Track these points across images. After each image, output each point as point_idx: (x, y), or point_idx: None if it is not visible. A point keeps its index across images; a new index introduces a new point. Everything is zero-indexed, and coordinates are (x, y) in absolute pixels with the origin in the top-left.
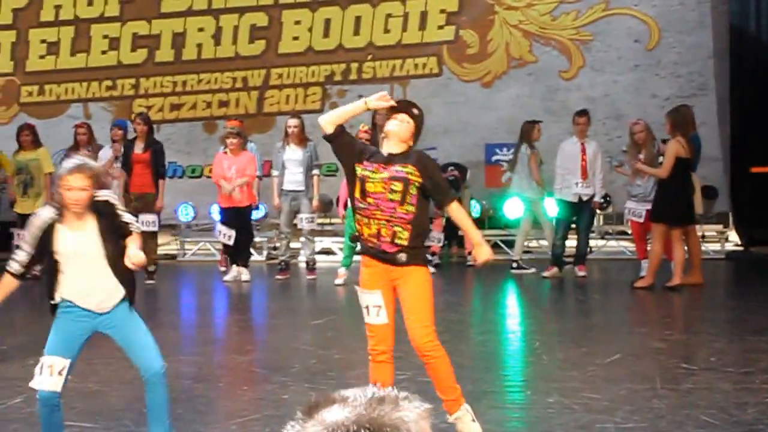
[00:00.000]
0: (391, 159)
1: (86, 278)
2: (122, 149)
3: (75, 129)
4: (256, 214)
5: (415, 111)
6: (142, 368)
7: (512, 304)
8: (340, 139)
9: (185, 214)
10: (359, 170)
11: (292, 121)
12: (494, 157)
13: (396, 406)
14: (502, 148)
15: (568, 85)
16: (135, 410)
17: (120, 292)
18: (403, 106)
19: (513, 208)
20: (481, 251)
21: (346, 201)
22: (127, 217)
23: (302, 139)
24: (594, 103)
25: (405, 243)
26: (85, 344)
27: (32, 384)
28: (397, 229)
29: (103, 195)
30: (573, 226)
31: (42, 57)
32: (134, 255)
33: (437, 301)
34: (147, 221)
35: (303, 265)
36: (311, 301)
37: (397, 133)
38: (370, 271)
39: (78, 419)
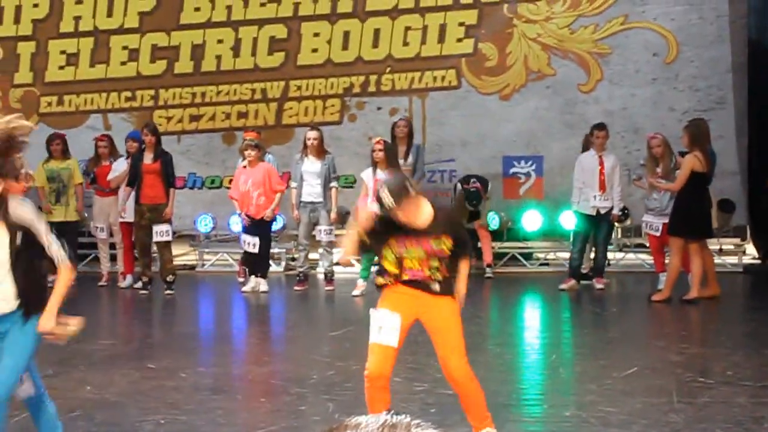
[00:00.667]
0: (422, 233)
1: None
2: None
3: (96, 141)
4: (274, 226)
5: (400, 193)
6: None
7: (530, 316)
8: (373, 238)
9: (204, 225)
10: (394, 249)
11: (312, 134)
12: (512, 170)
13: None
14: (519, 160)
15: (587, 98)
16: (153, 421)
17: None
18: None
19: (531, 221)
20: (460, 297)
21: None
22: (47, 240)
23: (321, 152)
24: (612, 116)
25: (440, 276)
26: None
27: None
28: (434, 268)
29: (21, 207)
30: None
31: (61, 68)
32: (42, 323)
33: None
34: (161, 231)
35: (321, 276)
36: (329, 313)
37: (412, 220)
38: (397, 295)
39: (97, 430)
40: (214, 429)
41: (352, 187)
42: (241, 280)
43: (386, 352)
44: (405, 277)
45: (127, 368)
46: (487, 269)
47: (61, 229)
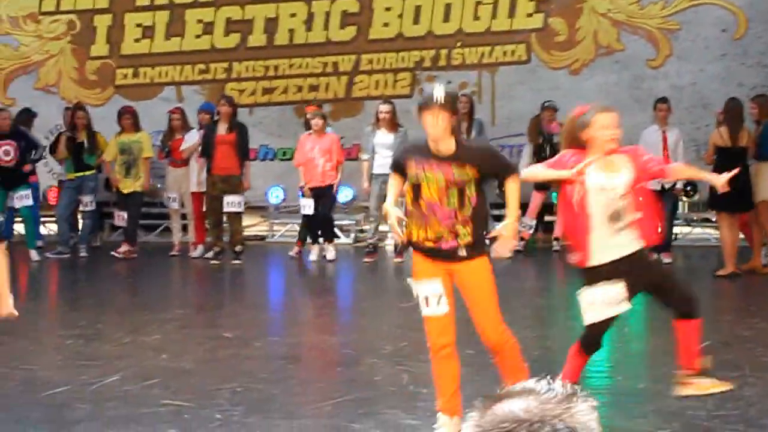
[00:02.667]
0: (445, 158)
1: None
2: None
3: (169, 114)
4: (343, 198)
5: (442, 101)
6: None
7: None
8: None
9: (275, 196)
10: (410, 171)
11: (384, 107)
12: None
13: (575, 402)
14: None
15: (655, 74)
16: (229, 389)
17: None
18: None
19: None
20: (506, 238)
21: None
22: None
23: (393, 125)
24: (681, 91)
25: (467, 239)
26: None
27: None
28: (458, 227)
29: None
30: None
31: (137, 41)
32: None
33: (524, 288)
34: (232, 202)
35: (390, 248)
36: (399, 284)
37: (433, 135)
38: (425, 261)
39: (174, 398)
40: (290, 398)
41: None
42: (293, 254)
43: (442, 321)
44: (422, 206)
45: (201, 337)
46: (555, 242)
47: (127, 200)
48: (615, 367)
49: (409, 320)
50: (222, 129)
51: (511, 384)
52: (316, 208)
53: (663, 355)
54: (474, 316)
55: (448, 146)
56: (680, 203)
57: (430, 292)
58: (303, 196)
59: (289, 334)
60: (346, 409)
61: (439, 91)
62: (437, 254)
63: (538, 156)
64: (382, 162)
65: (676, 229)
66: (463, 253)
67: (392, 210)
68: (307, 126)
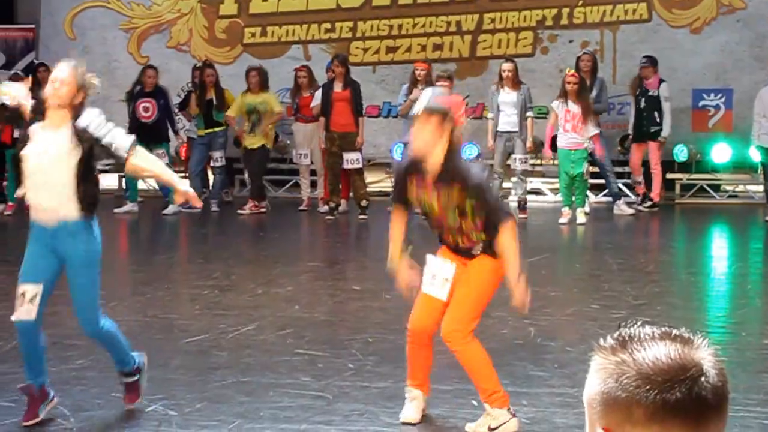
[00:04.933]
0: (437, 179)
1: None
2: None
3: (295, 72)
4: (466, 154)
5: (435, 107)
6: None
7: (719, 246)
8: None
9: (399, 152)
10: (411, 195)
11: (507, 65)
12: (701, 102)
13: (701, 347)
14: (709, 93)
15: None
16: (361, 339)
17: (75, 211)
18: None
19: (720, 153)
20: (517, 291)
21: (553, 140)
22: (108, 141)
23: (516, 83)
24: None
25: (482, 240)
26: (58, 266)
27: (12, 317)
28: (472, 234)
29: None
30: None
31: (265, 0)
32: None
33: (645, 243)
34: (352, 159)
35: (515, 204)
36: (523, 240)
37: (419, 146)
38: (448, 252)
39: (308, 347)
40: None
41: (544, 117)
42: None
43: (433, 305)
44: (432, 219)
45: (332, 289)
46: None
47: (251, 156)
48: (738, 322)
49: (534, 275)
50: (338, 87)
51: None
52: None
53: None
54: (449, 306)
55: (434, 163)
56: None
57: (441, 272)
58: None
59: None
60: None
61: (422, 101)
62: (456, 250)
63: (636, 107)
64: (507, 119)
65: None
66: (477, 251)
67: (402, 270)
68: (415, 82)
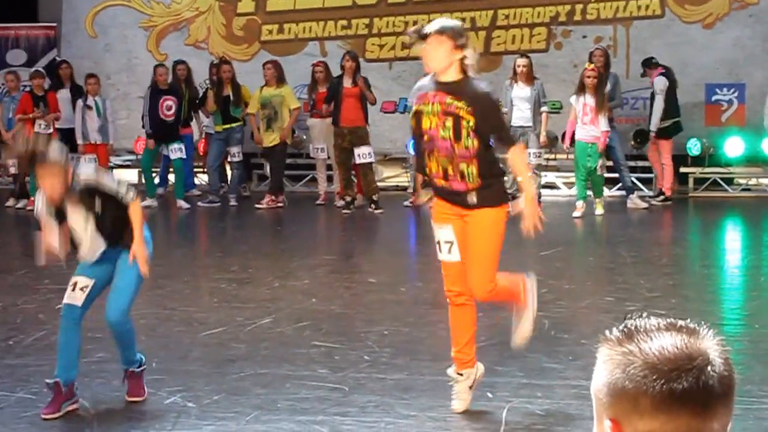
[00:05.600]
0: (442, 87)
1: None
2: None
3: (313, 67)
4: None
5: (442, 28)
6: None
7: (733, 239)
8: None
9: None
10: (414, 107)
11: (521, 61)
12: (714, 97)
13: (706, 337)
14: (722, 88)
15: None
16: (377, 332)
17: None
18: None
19: (733, 147)
20: (528, 211)
21: (572, 135)
22: (111, 188)
23: (530, 78)
24: None
25: (476, 182)
26: (114, 272)
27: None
28: (462, 166)
29: (83, 176)
30: None
31: None
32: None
33: (658, 236)
34: (363, 153)
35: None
36: (537, 234)
37: (434, 65)
38: (441, 205)
39: (325, 340)
40: (436, 342)
41: (558, 112)
42: (409, 203)
43: (453, 268)
44: (425, 138)
45: (348, 282)
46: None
47: (270, 153)
48: (752, 314)
49: (548, 268)
50: (347, 83)
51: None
52: None
53: None
54: (467, 267)
55: (451, 76)
56: None
57: (442, 237)
58: None
59: (432, 280)
60: (489, 352)
61: (431, 25)
62: (450, 196)
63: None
64: (520, 115)
65: None
66: (473, 200)
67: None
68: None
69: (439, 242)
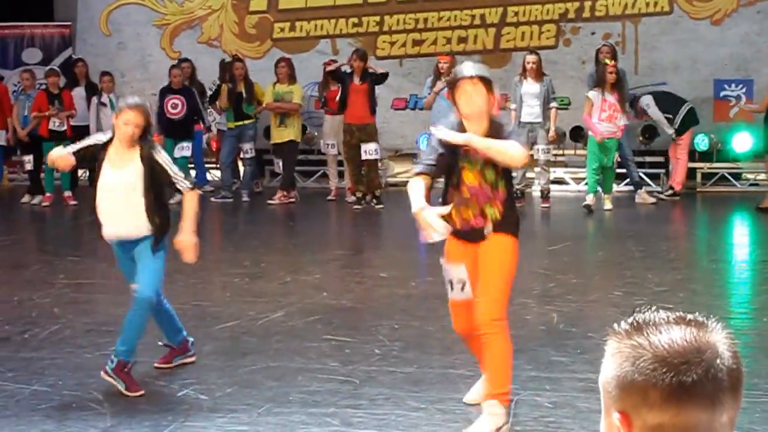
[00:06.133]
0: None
1: (116, 210)
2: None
3: (324, 66)
4: None
5: (480, 74)
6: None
7: (740, 234)
8: (436, 174)
9: (425, 143)
10: (445, 163)
11: (531, 57)
12: (722, 93)
13: (715, 330)
14: (730, 83)
15: None
16: (387, 326)
17: (147, 229)
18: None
19: (741, 142)
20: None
21: (580, 129)
22: (172, 170)
23: (539, 74)
24: None
25: (497, 217)
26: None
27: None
28: (486, 207)
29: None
30: None
31: None
32: (181, 241)
33: (666, 231)
34: (369, 150)
35: (537, 194)
36: (546, 228)
37: (474, 109)
38: (455, 244)
39: (335, 333)
40: (445, 335)
41: (567, 108)
42: None
43: (466, 306)
44: (464, 192)
45: (359, 276)
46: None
47: (281, 150)
48: (759, 308)
49: (557, 263)
50: (356, 80)
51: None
52: None
53: None
54: (477, 291)
55: (481, 128)
56: None
57: (455, 276)
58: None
59: (442, 275)
60: None
61: (472, 67)
62: (467, 234)
63: None
64: (529, 111)
65: None
66: (489, 229)
67: (427, 208)
68: (438, 75)
69: (451, 281)
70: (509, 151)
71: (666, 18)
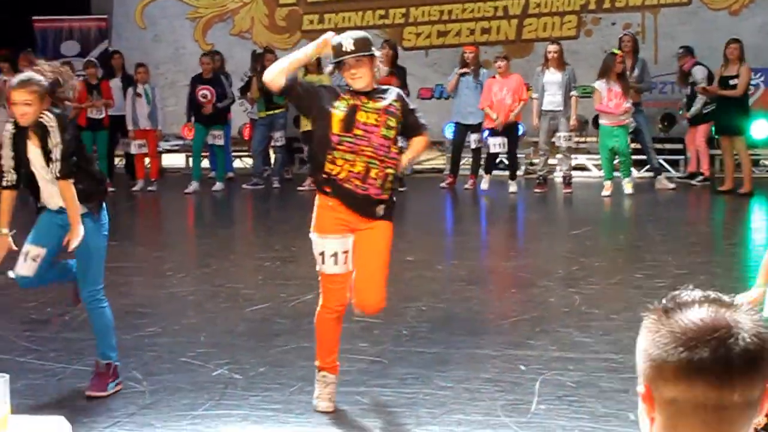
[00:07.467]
0: (375, 92)
1: (45, 185)
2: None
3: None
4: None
5: (371, 50)
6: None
7: (759, 218)
8: (294, 90)
9: (451, 131)
10: (343, 102)
11: (552, 47)
12: None
13: (740, 310)
14: None
15: None
16: (415, 307)
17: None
18: (358, 47)
19: (759, 129)
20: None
21: (595, 118)
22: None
23: (561, 64)
24: None
25: (389, 193)
26: (63, 240)
27: (13, 271)
28: (389, 171)
29: (46, 116)
30: None
31: None
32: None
33: (686, 216)
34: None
35: (559, 179)
36: (568, 213)
37: (363, 85)
38: (334, 215)
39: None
40: (471, 316)
41: (589, 96)
42: (444, 185)
43: (344, 279)
44: (357, 133)
45: None
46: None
47: (309, 136)
48: None
49: (579, 246)
50: (383, 71)
51: None
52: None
53: None
54: (361, 276)
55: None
56: None
57: (339, 248)
58: (491, 133)
59: (467, 258)
60: (522, 327)
61: (351, 42)
62: (356, 204)
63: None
64: (551, 99)
65: None
66: (380, 212)
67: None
68: (463, 64)
69: (328, 253)
70: (426, 141)
71: (685, 8)
